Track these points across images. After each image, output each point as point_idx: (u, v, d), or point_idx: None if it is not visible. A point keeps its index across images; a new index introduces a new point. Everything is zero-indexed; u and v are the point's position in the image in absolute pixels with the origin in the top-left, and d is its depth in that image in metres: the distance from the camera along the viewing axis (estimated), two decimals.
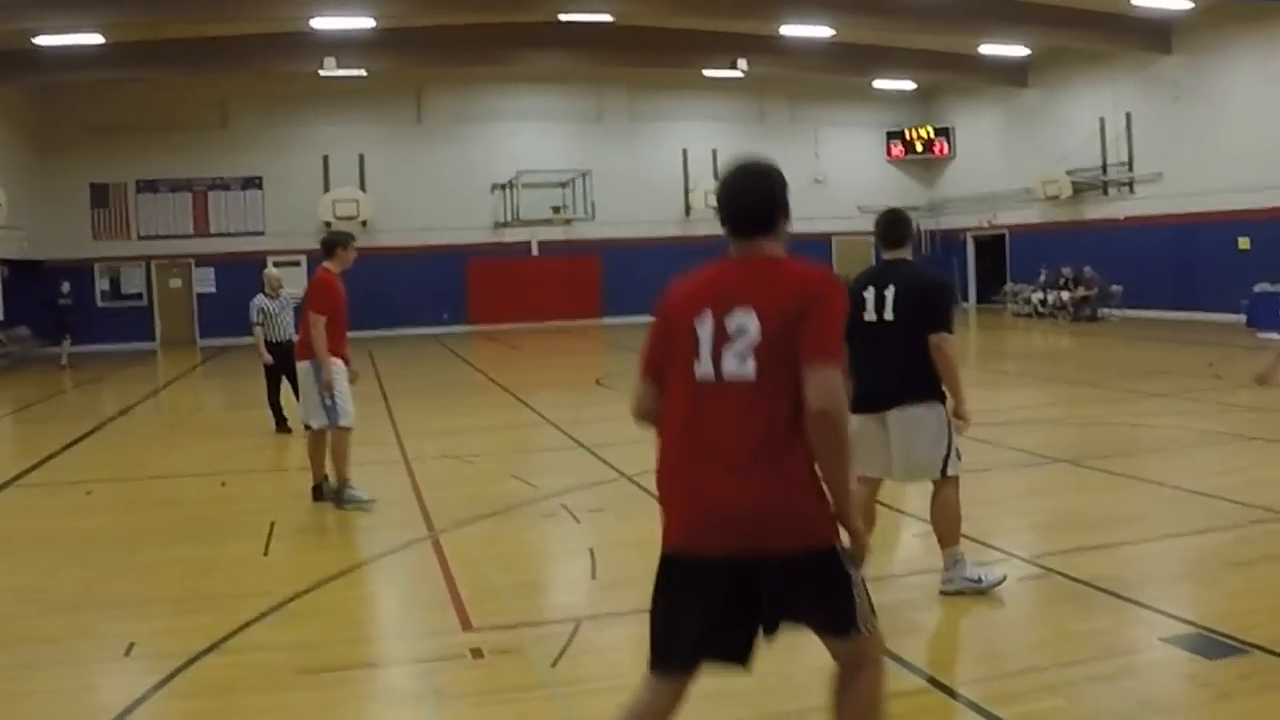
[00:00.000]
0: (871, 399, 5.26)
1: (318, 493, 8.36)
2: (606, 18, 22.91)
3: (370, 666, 5.16)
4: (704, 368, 3.04)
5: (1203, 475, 8.24)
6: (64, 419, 14.80)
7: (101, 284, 27.97)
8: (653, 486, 3.21)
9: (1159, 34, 24.48)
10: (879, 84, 31.03)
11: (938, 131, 32.95)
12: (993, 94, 30.41)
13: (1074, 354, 19.19)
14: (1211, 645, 4.74)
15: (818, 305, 2.97)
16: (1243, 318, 21.02)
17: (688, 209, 31.08)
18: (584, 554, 6.73)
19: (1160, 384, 13.58)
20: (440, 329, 28.35)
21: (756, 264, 3.13)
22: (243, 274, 23.68)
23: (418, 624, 5.76)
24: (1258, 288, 20.92)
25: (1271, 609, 5.23)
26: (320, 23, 21.51)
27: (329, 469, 8.28)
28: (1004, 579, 5.65)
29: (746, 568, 2.97)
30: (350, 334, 8.35)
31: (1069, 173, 27.64)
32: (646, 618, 3.15)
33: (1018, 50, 27.07)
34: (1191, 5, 21.29)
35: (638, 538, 7.39)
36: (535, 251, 29.84)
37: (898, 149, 33.39)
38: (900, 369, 5.37)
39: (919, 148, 33.16)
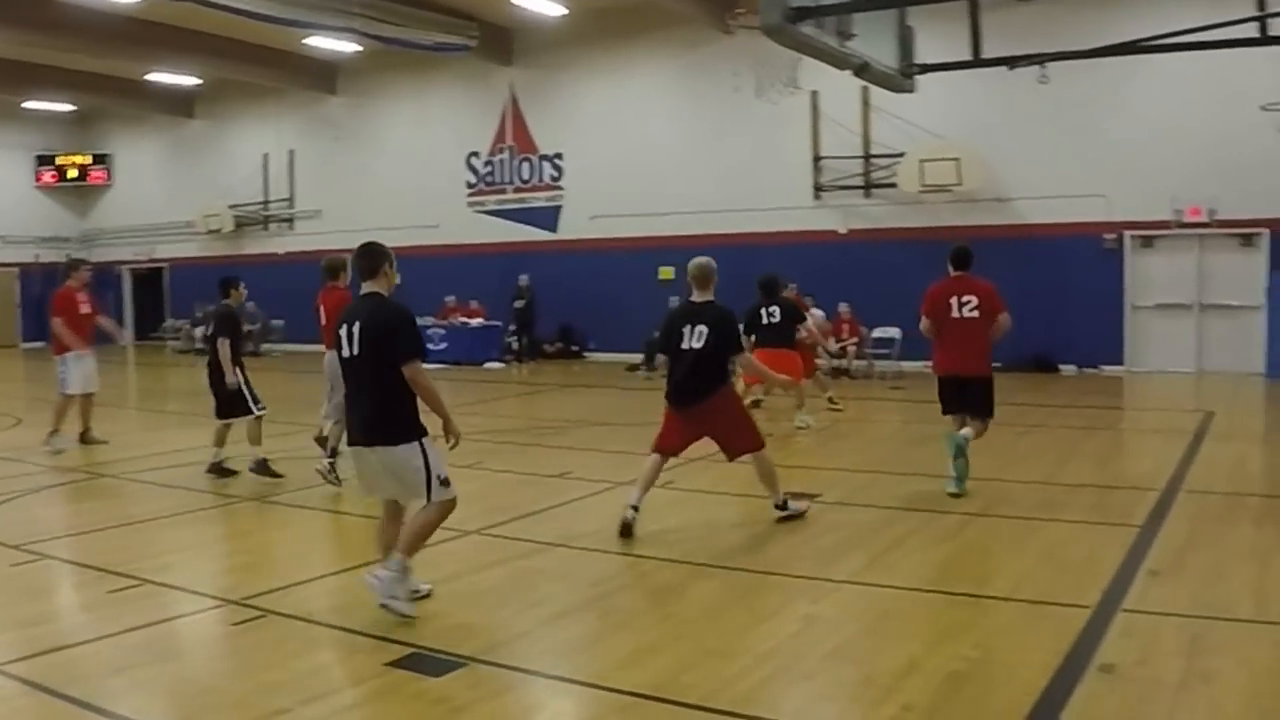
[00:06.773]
0: (361, 432, 5.52)
1: None
2: None
3: None
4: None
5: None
6: None
7: None
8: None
9: (325, 75, 25.68)
10: (31, 105, 28.20)
11: (96, 159, 30.88)
12: (157, 122, 29.28)
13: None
14: (432, 663, 4.82)
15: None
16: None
17: None
18: None
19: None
20: None
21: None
22: None
23: None
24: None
25: (472, 625, 5.47)
26: None
27: None
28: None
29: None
30: None
31: (232, 207, 27.64)
32: None
33: (187, 80, 26.43)
34: (358, 49, 22.52)
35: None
36: None
37: (49, 175, 30.65)
38: (376, 406, 5.47)
39: (73, 175, 30.75)
